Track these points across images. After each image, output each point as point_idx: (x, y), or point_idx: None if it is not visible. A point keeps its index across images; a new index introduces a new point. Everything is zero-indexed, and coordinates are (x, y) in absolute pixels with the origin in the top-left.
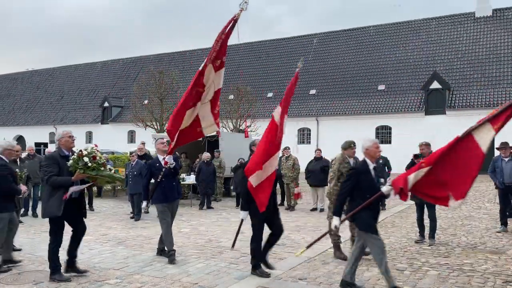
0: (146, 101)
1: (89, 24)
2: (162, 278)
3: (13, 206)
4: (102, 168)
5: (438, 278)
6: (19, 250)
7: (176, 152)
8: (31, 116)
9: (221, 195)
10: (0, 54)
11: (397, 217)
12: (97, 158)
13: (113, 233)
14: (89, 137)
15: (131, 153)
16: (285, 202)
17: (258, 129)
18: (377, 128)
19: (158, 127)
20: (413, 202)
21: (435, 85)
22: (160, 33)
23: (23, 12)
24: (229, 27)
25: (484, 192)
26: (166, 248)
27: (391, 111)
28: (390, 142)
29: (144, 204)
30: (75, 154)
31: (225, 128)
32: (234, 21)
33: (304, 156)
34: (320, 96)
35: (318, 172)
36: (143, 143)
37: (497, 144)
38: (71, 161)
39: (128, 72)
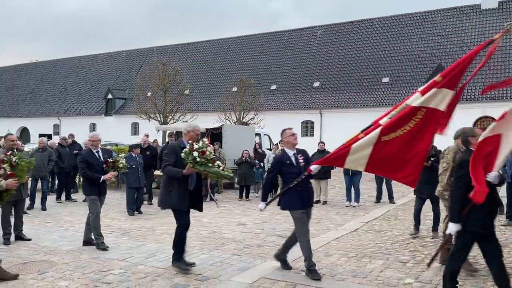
0: (149, 93)
1: (93, 17)
2: (166, 269)
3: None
4: (210, 164)
5: (441, 270)
6: (29, 240)
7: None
8: (35, 107)
9: (222, 187)
10: (4, 45)
11: (400, 210)
12: (206, 153)
13: (117, 224)
14: (92, 129)
15: (136, 146)
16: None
17: (262, 122)
18: None
19: (162, 119)
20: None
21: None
22: (163, 27)
23: (29, 4)
24: (485, 48)
25: None
26: (304, 257)
27: (395, 103)
28: None
29: (262, 206)
30: (187, 147)
31: (229, 120)
32: (491, 42)
33: (307, 149)
34: (324, 88)
35: None
36: (147, 135)
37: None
38: (182, 154)
39: (131, 64)
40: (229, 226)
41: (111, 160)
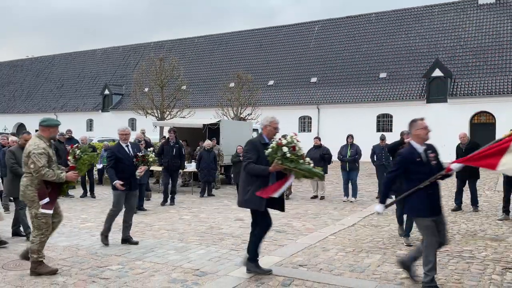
0: (146, 89)
1: (90, 13)
2: (164, 264)
3: None
4: (302, 161)
5: (438, 264)
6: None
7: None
8: (31, 103)
9: (219, 183)
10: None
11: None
12: (297, 149)
13: (115, 219)
14: (90, 124)
15: (139, 141)
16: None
17: (259, 117)
18: (378, 116)
19: (159, 114)
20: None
21: (437, 73)
22: (161, 21)
23: None
24: None
25: (484, 179)
26: (424, 271)
27: (393, 99)
28: (391, 130)
29: (380, 209)
30: (274, 142)
31: (226, 116)
32: None
33: (305, 144)
34: (321, 84)
35: (318, 160)
36: (143, 132)
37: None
38: (269, 150)
39: (128, 60)
40: (226, 221)
41: (141, 154)
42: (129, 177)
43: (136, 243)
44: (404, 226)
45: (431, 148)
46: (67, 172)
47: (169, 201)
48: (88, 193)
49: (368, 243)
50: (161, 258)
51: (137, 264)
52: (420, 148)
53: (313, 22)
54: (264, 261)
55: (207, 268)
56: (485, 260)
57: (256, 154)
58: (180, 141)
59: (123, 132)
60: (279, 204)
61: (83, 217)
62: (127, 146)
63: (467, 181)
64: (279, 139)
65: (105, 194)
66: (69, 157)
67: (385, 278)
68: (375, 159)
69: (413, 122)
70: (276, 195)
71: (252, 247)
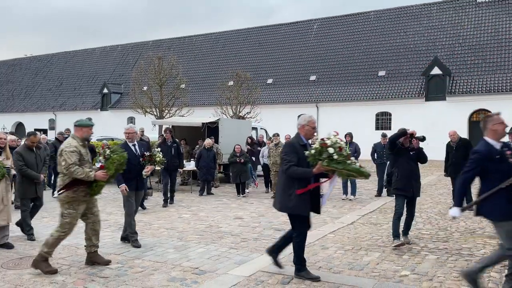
0: (145, 88)
1: (89, 11)
2: (163, 263)
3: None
4: (349, 162)
5: (437, 262)
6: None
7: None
8: (30, 102)
9: (218, 181)
10: None
11: None
12: (343, 149)
13: (114, 218)
14: None
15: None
16: (270, 190)
17: (258, 116)
18: (377, 114)
19: (158, 113)
20: None
21: (436, 71)
22: (160, 20)
23: None
24: None
25: None
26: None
27: (391, 97)
28: (390, 128)
29: (457, 212)
30: (316, 143)
31: (225, 114)
32: None
33: None
34: (320, 82)
35: None
36: (142, 130)
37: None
38: (312, 151)
39: (127, 58)
40: (226, 220)
41: (148, 153)
42: (136, 177)
43: (139, 246)
44: (404, 224)
45: (507, 145)
46: (96, 171)
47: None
48: None
49: (367, 241)
50: (160, 256)
51: (136, 263)
52: (497, 145)
53: (312, 20)
54: (263, 259)
55: (206, 266)
56: (483, 257)
57: (296, 156)
58: (177, 140)
59: (129, 131)
60: (315, 207)
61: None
62: (133, 145)
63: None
64: (322, 139)
65: (104, 193)
66: (100, 157)
67: (384, 276)
68: (375, 157)
69: (488, 117)
70: (325, 199)
71: (296, 256)
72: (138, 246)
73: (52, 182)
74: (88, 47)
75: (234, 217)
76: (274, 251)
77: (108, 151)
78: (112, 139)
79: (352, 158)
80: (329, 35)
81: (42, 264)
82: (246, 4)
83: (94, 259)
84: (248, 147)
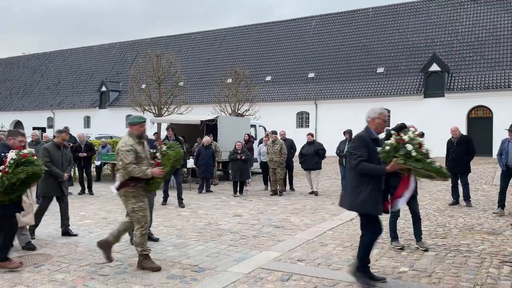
0: (143, 85)
1: (86, 9)
2: (162, 260)
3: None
4: (428, 160)
5: (435, 258)
6: (76, 235)
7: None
8: (28, 100)
9: (217, 179)
10: None
11: None
12: (423, 146)
13: (113, 216)
14: (87, 121)
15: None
16: (269, 187)
17: (257, 113)
18: None
19: (156, 111)
20: None
21: (434, 67)
22: (157, 17)
23: None
24: None
25: (481, 174)
26: None
27: (390, 94)
28: (388, 125)
29: None
30: (392, 139)
31: (224, 112)
32: None
33: (303, 140)
34: (319, 79)
35: (312, 155)
36: None
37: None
38: (386, 148)
39: (125, 56)
40: (225, 217)
41: (153, 151)
42: None
43: (157, 239)
44: (413, 229)
45: None
46: (153, 168)
47: (177, 203)
48: (86, 190)
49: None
50: (160, 254)
51: (135, 261)
52: None
53: (310, 17)
54: (262, 256)
55: (206, 264)
56: (482, 253)
57: (366, 150)
58: (180, 138)
59: None
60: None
61: (81, 214)
62: None
63: (458, 176)
64: (397, 134)
65: (103, 191)
66: (156, 154)
67: (383, 272)
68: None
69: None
70: (401, 201)
71: (361, 254)
72: (156, 239)
73: None
74: (86, 45)
75: (233, 215)
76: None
77: (164, 148)
78: (111, 137)
79: (431, 156)
80: (327, 32)
81: (145, 262)
82: (244, 2)
83: (106, 250)
84: (244, 143)
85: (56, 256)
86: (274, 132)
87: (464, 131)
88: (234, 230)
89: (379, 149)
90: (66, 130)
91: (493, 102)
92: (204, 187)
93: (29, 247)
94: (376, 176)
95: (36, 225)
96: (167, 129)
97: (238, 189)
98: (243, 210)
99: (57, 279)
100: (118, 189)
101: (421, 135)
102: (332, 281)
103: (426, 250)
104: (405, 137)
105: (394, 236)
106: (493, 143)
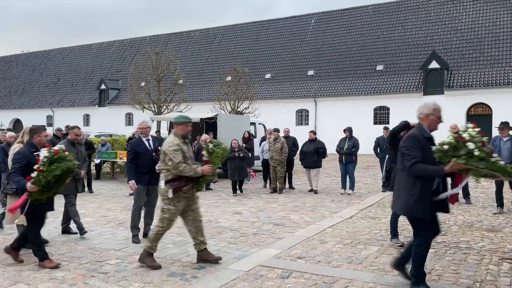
0: (143, 83)
1: (85, 6)
2: (162, 258)
3: None
4: (493, 159)
5: (435, 255)
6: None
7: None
8: (27, 99)
9: (216, 177)
10: None
11: None
12: (486, 145)
13: (113, 214)
14: (86, 120)
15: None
16: (268, 185)
17: (256, 111)
18: (375, 109)
19: (156, 109)
20: None
21: (434, 64)
22: (157, 15)
23: None
24: None
25: None
26: None
27: (389, 91)
28: (388, 123)
29: None
30: (450, 137)
31: (223, 110)
32: None
33: (302, 137)
34: (318, 76)
35: (311, 153)
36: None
37: (498, 124)
38: (445, 147)
39: (124, 54)
40: (225, 215)
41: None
42: (148, 172)
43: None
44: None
45: None
46: (202, 166)
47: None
48: (86, 188)
49: (365, 235)
50: (160, 252)
51: (135, 258)
52: None
53: (310, 14)
54: (262, 253)
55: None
56: (481, 250)
57: (420, 151)
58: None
59: (142, 126)
60: (442, 206)
61: (81, 212)
62: (147, 140)
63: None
64: (455, 132)
65: (102, 189)
66: (203, 152)
67: (382, 269)
68: (378, 151)
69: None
70: (445, 195)
71: (415, 263)
72: (138, 242)
73: None
74: (85, 43)
75: (233, 212)
76: (399, 264)
77: (211, 145)
78: (110, 135)
79: (495, 154)
80: (327, 30)
81: (147, 259)
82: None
83: (204, 257)
84: (245, 144)
85: (56, 254)
86: (277, 130)
87: (464, 129)
88: (234, 227)
89: (435, 148)
90: (78, 126)
91: (493, 99)
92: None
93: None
94: (431, 178)
95: (79, 225)
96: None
97: (237, 187)
98: (243, 208)
99: (57, 277)
100: (174, 192)
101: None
102: (332, 278)
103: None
104: (465, 135)
105: (394, 233)
106: None
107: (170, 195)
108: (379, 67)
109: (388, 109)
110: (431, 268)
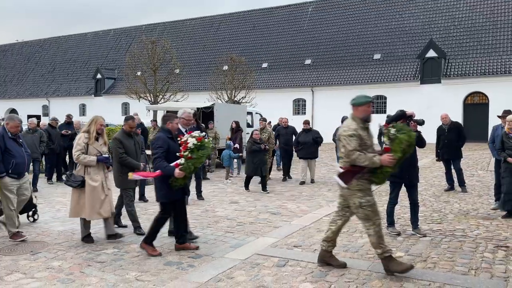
0: (139, 73)
1: None
2: (159, 247)
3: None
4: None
5: (431, 243)
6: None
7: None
8: (23, 88)
9: (214, 166)
10: None
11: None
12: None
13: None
14: (82, 109)
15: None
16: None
17: (253, 100)
18: (372, 98)
19: (152, 98)
20: None
21: (431, 53)
22: (152, 3)
23: None
24: None
25: (477, 160)
26: None
27: (387, 80)
28: (385, 112)
29: None
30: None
31: (220, 99)
32: None
33: (299, 127)
34: (315, 66)
35: (310, 144)
36: (136, 114)
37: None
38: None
39: (120, 43)
40: (221, 204)
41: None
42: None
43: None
44: (410, 216)
45: None
46: (381, 155)
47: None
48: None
49: (361, 224)
50: (157, 241)
51: (132, 248)
52: None
53: (307, 3)
54: (259, 242)
55: (203, 250)
56: (477, 238)
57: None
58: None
59: (186, 116)
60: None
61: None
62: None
63: (451, 161)
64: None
65: None
66: (384, 138)
67: (378, 258)
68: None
69: None
70: None
71: None
72: (143, 234)
73: (46, 169)
74: (80, 31)
75: (229, 202)
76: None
77: (393, 130)
78: (107, 125)
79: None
80: (324, 18)
81: (393, 264)
82: None
83: (328, 260)
84: (232, 132)
85: (53, 244)
86: (264, 119)
87: (460, 117)
88: (230, 217)
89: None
90: (133, 117)
91: (490, 88)
92: (201, 175)
93: (116, 237)
94: None
95: (135, 221)
96: (193, 116)
97: (255, 183)
98: (240, 197)
99: (54, 266)
100: (346, 181)
101: (422, 122)
102: (328, 267)
103: (424, 236)
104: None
105: (390, 222)
106: (489, 129)
107: (343, 184)
108: (377, 56)
109: (385, 98)
110: (427, 256)
